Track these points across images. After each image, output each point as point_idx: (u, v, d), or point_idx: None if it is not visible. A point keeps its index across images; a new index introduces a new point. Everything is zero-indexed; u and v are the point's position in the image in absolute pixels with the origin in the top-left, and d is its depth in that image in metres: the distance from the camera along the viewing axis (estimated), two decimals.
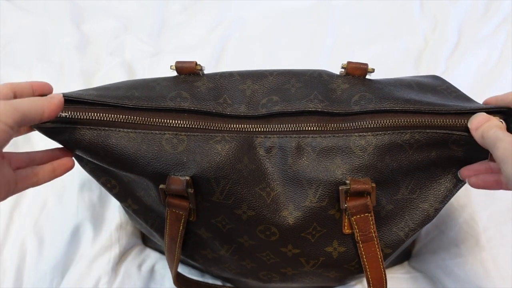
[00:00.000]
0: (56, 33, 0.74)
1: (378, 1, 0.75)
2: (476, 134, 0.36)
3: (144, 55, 0.72)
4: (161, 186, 0.39)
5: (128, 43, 0.74)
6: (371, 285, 0.41)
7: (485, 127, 0.35)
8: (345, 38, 0.73)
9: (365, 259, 0.40)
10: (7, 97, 0.35)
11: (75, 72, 0.69)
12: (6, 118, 0.31)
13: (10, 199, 0.56)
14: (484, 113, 0.37)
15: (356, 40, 0.73)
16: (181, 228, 0.41)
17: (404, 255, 0.57)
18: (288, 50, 0.73)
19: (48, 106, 0.34)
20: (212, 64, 0.70)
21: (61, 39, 0.73)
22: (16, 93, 0.36)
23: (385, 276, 0.41)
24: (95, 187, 0.59)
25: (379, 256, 0.40)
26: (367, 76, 0.41)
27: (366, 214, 0.38)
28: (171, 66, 0.42)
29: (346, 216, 0.39)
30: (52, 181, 0.58)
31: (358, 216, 0.38)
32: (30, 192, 0.58)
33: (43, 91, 0.38)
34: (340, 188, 0.37)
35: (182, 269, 0.56)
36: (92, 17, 0.77)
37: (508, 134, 0.34)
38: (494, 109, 0.37)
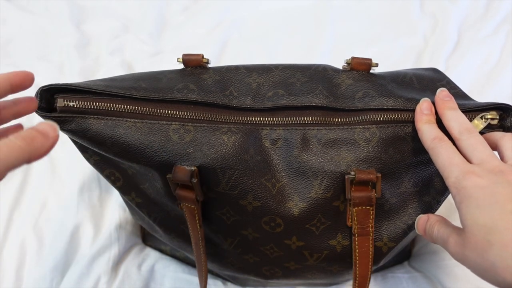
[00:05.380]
0: (56, 33, 0.74)
1: (378, 1, 0.75)
2: (426, 237, 0.37)
3: (144, 55, 0.72)
4: (168, 175, 0.39)
5: (128, 43, 0.74)
6: (356, 281, 0.42)
7: (427, 228, 0.36)
8: (345, 38, 0.73)
9: (357, 254, 0.40)
10: None
11: (75, 72, 0.69)
12: None
13: (10, 199, 0.57)
14: (421, 215, 0.38)
15: (356, 40, 0.73)
16: (198, 225, 0.40)
17: (404, 255, 0.57)
18: (288, 50, 0.73)
19: (35, 152, 0.26)
20: (212, 64, 0.70)
21: (61, 39, 0.73)
22: None
23: (370, 275, 0.41)
24: (95, 187, 0.59)
25: (370, 253, 0.40)
26: (371, 71, 0.42)
27: (368, 207, 0.39)
28: (178, 58, 0.42)
29: (350, 207, 0.39)
30: (52, 181, 0.59)
31: (360, 207, 0.39)
32: (30, 192, 0.58)
33: (23, 84, 0.32)
34: (346, 177, 0.38)
35: (182, 268, 0.56)
36: (92, 17, 0.77)
37: (447, 224, 0.35)
38: (492, 106, 0.37)
